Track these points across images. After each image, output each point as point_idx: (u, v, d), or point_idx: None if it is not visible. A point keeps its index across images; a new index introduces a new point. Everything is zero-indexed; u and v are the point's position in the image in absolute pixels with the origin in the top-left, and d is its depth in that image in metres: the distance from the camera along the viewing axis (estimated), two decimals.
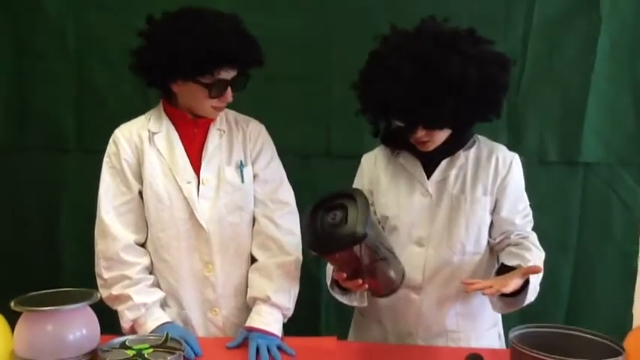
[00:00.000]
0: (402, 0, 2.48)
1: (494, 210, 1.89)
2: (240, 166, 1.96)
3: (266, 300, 1.90)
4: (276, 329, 1.88)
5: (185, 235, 1.91)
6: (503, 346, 1.99)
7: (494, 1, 2.60)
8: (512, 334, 1.55)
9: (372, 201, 1.92)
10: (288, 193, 2.02)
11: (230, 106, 1.98)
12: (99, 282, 1.89)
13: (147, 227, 1.93)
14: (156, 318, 1.85)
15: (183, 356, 1.57)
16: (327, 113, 2.67)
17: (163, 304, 1.93)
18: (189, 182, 1.91)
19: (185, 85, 1.85)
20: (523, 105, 2.64)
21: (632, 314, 2.69)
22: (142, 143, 1.92)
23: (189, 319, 1.95)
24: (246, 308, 1.96)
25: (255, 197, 1.99)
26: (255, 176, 1.99)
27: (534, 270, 1.65)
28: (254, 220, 2.00)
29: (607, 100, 2.65)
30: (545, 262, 1.81)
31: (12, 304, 1.51)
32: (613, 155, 2.67)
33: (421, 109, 1.71)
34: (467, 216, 1.86)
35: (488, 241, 1.91)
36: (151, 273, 1.94)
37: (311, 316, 2.69)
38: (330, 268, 1.79)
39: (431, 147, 1.85)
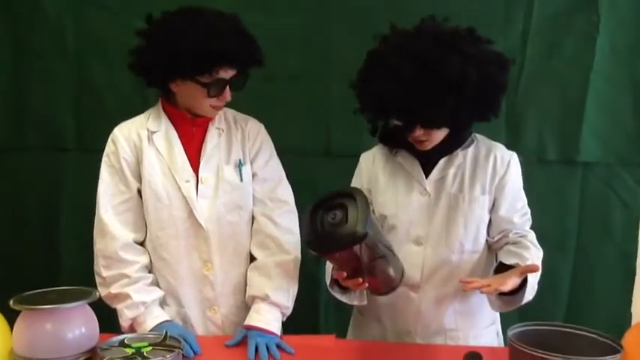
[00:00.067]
0: None
1: (493, 209, 1.89)
2: (239, 165, 1.96)
3: (265, 298, 1.90)
4: (275, 328, 1.88)
5: (184, 234, 1.91)
6: (502, 344, 2.00)
7: (493, 1, 2.61)
8: (510, 332, 1.55)
9: (370, 200, 1.92)
10: (286, 192, 2.02)
11: (229, 105, 1.98)
12: (98, 280, 1.89)
13: (146, 226, 1.93)
14: (155, 316, 1.85)
15: (182, 354, 1.58)
16: (327, 112, 2.67)
17: (162, 303, 1.93)
18: (187, 181, 1.91)
19: (184, 84, 1.85)
20: (522, 104, 2.65)
21: (630, 313, 2.70)
22: (140, 142, 1.92)
23: (189, 318, 1.95)
24: (245, 307, 1.97)
25: (254, 196, 1.99)
26: (254, 175, 1.99)
27: (532, 269, 1.66)
28: (253, 218, 2.00)
29: (606, 100, 2.65)
30: (545, 261, 1.82)
31: (11, 302, 1.51)
32: (612, 155, 2.68)
33: (420, 108, 1.71)
34: (465, 215, 1.86)
35: (487, 240, 1.91)
36: (150, 272, 1.94)
37: (310, 314, 2.69)
38: (329, 267, 1.79)
39: (429, 146, 1.86)
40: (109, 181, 1.91)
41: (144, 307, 1.85)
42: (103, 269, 1.88)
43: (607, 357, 1.43)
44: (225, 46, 1.79)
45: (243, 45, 1.85)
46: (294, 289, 1.96)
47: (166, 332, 1.61)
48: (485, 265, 1.92)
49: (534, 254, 1.78)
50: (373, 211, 1.92)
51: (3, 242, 2.84)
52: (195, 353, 1.77)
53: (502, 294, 1.71)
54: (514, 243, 1.85)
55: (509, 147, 1.99)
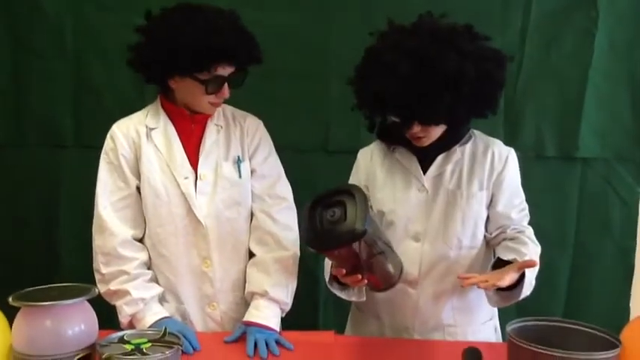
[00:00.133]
0: None
1: (491, 204, 1.89)
2: (238, 162, 1.96)
3: (264, 295, 1.91)
4: (274, 324, 1.88)
5: (183, 231, 1.91)
6: (500, 340, 2.00)
7: None
8: (509, 328, 1.56)
9: (368, 196, 1.92)
10: (285, 189, 2.02)
11: (228, 102, 1.97)
12: (97, 277, 1.90)
13: (145, 222, 1.93)
14: (154, 313, 1.85)
15: (182, 351, 1.58)
16: (325, 109, 2.68)
17: (161, 299, 1.93)
18: (186, 178, 1.91)
19: (182, 80, 1.85)
20: (521, 100, 2.65)
21: (629, 308, 2.71)
22: (139, 139, 1.92)
23: (188, 314, 1.96)
24: (244, 303, 1.97)
25: (253, 192, 1.99)
26: (252, 171, 1.99)
27: (530, 264, 1.66)
28: (252, 215, 2.00)
29: (605, 96, 2.66)
30: (543, 257, 1.82)
31: (10, 299, 1.51)
32: (610, 151, 2.68)
33: (417, 105, 1.71)
34: (463, 211, 1.87)
35: (485, 236, 1.91)
36: (149, 268, 1.94)
37: (309, 310, 2.70)
38: (328, 263, 1.79)
39: (426, 142, 1.86)
40: (107, 177, 1.92)
41: (143, 303, 1.85)
42: (102, 266, 1.88)
43: (605, 352, 1.43)
44: (223, 42, 1.79)
45: (241, 42, 1.85)
46: (292, 285, 1.97)
47: (165, 328, 1.61)
48: (483, 260, 1.92)
49: (532, 250, 1.79)
50: (371, 207, 1.92)
51: (1, 240, 2.84)
52: (194, 349, 1.78)
53: (500, 289, 1.72)
54: (512, 239, 1.85)
55: (507, 143, 1.98)
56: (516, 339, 1.48)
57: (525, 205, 1.92)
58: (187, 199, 1.90)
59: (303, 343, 1.85)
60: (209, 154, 1.94)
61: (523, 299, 1.74)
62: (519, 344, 1.46)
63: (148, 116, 1.96)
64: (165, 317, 1.86)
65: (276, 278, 1.92)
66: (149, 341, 1.55)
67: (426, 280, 1.90)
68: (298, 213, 1.95)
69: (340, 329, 2.11)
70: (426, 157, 1.91)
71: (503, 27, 2.61)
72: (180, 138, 1.94)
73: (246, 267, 1.99)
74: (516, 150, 1.96)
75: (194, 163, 1.93)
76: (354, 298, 1.86)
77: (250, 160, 1.99)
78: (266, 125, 2.07)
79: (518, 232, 1.86)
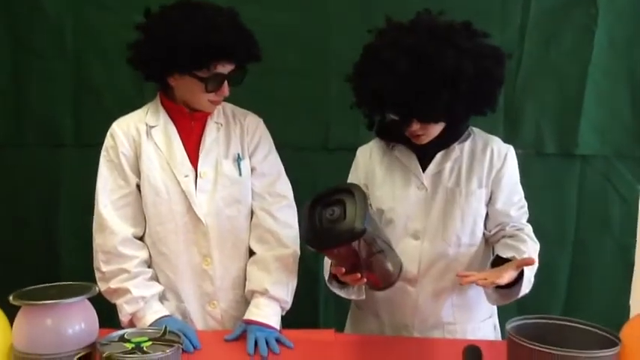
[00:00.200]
0: None
1: (490, 202, 1.90)
2: (238, 160, 1.96)
3: (264, 293, 1.91)
4: (275, 322, 1.88)
5: (183, 229, 1.91)
6: (499, 338, 2.00)
7: None
8: (509, 326, 1.55)
9: (367, 194, 1.92)
10: (285, 186, 2.02)
11: (228, 100, 1.98)
12: (97, 275, 1.90)
13: (145, 221, 1.94)
14: (154, 311, 1.86)
15: (182, 349, 1.58)
16: (325, 107, 2.68)
17: (162, 298, 1.93)
18: (186, 176, 1.91)
19: (182, 78, 1.85)
20: (520, 98, 2.65)
21: (629, 306, 2.71)
22: (139, 137, 1.92)
23: (188, 312, 1.96)
24: (245, 301, 1.97)
25: (253, 190, 1.99)
26: (252, 169, 1.99)
27: (528, 262, 1.66)
28: (252, 213, 2.00)
29: (604, 93, 2.66)
30: (543, 255, 1.82)
31: (11, 297, 1.51)
32: (610, 148, 2.68)
33: (416, 102, 1.71)
34: (462, 208, 1.87)
35: (484, 233, 1.91)
36: (149, 266, 1.94)
37: (309, 308, 2.70)
38: (327, 262, 1.80)
39: (425, 140, 1.86)
40: (107, 176, 1.92)
41: (143, 301, 1.86)
42: (102, 264, 1.88)
43: (605, 350, 1.43)
44: (222, 40, 1.79)
45: (240, 39, 1.85)
46: (293, 284, 1.97)
47: (166, 327, 1.61)
48: (482, 258, 1.92)
49: (531, 247, 1.79)
50: (370, 205, 1.92)
51: (1, 239, 2.84)
52: (194, 348, 1.78)
53: (499, 287, 1.72)
54: (511, 236, 1.85)
55: (507, 140, 1.99)
56: (516, 337, 1.48)
57: (524, 203, 1.93)
58: (187, 197, 1.90)
59: (303, 341, 1.85)
60: (209, 151, 1.94)
61: (522, 297, 1.74)
62: (519, 342, 1.46)
63: (147, 114, 1.96)
64: (166, 316, 1.86)
65: (276, 276, 1.92)
66: (150, 340, 1.55)
67: (425, 278, 1.90)
68: (298, 211, 1.95)
69: (340, 327, 2.12)
70: (425, 155, 1.91)
71: (503, 24, 2.61)
72: (180, 136, 1.94)
73: (246, 265, 1.99)
74: (516, 147, 1.96)
75: (194, 161, 1.93)
76: (353, 297, 1.86)
77: (250, 158, 1.99)
78: (266, 123, 2.07)
79: (517, 229, 1.86)
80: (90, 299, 1.59)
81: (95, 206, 1.91)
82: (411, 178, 1.92)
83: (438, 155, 1.90)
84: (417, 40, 1.71)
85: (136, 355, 1.46)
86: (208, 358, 1.77)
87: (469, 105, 1.78)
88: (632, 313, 2.66)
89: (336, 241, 1.55)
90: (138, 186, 1.92)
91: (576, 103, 2.64)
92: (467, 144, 1.92)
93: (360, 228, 1.50)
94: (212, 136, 1.95)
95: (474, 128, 1.96)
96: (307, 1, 2.66)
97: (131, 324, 1.86)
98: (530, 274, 1.72)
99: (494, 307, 2.01)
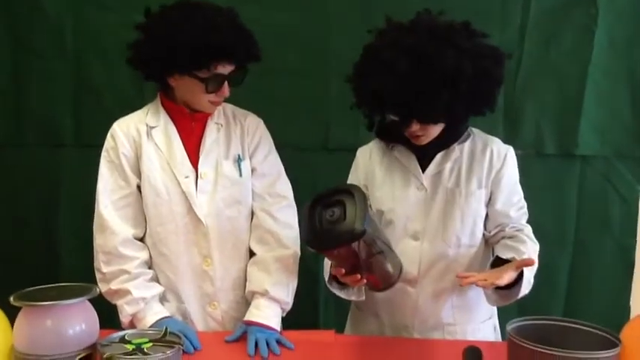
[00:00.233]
0: None
1: (489, 203, 1.90)
2: (238, 160, 1.96)
3: (264, 294, 1.91)
4: (275, 323, 1.88)
5: (183, 230, 1.91)
6: (499, 339, 2.01)
7: None
8: (509, 327, 1.55)
9: (367, 195, 1.92)
10: (285, 187, 2.02)
11: (228, 101, 1.97)
12: (98, 276, 1.90)
13: (145, 221, 1.94)
14: (155, 312, 1.86)
15: (183, 350, 1.58)
16: (325, 107, 2.68)
17: (162, 299, 1.93)
18: (187, 176, 1.91)
19: (182, 79, 1.85)
20: (520, 98, 2.65)
21: (629, 307, 2.71)
22: (139, 137, 1.92)
23: (188, 313, 1.96)
24: (245, 302, 1.97)
25: (254, 191, 1.99)
26: (253, 170, 1.99)
27: (528, 262, 1.67)
28: (252, 214, 2.00)
29: (604, 93, 2.66)
30: (543, 256, 1.82)
31: (11, 298, 1.51)
32: (610, 148, 2.68)
33: (416, 102, 1.71)
34: (462, 209, 1.87)
35: (484, 234, 1.91)
36: (149, 267, 1.94)
37: (309, 309, 2.70)
38: (327, 263, 1.79)
39: (425, 141, 1.86)
40: (108, 176, 1.92)
41: (144, 303, 1.86)
42: (102, 265, 1.88)
43: (605, 351, 1.43)
44: (222, 40, 1.79)
45: (240, 39, 1.85)
46: (293, 284, 1.97)
47: (166, 328, 1.61)
48: (482, 259, 1.92)
49: (530, 248, 1.79)
50: (370, 206, 1.92)
51: (1, 239, 2.84)
52: (195, 349, 1.78)
53: (498, 288, 1.72)
54: (510, 237, 1.85)
55: (507, 141, 1.99)
56: (516, 338, 1.48)
57: (524, 203, 1.93)
58: (188, 198, 1.90)
59: (303, 342, 1.85)
60: (209, 152, 1.94)
61: (522, 298, 1.74)
62: (519, 343, 1.46)
63: (148, 115, 1.96)
64: (166, 317, 1.86)
65: (276, 277, 1.92)
66: (150, 341, 1.55)
67: (425, 278, 1.90)
68: (298, 211, 1.95)
69: (340, 328, 2.12)
70: (424, 156, 1.91)
71: (503, 24, 2.61)
72: (180, 136, 1.94)
73: (246, 266, 1.99)
74: (516, 147, 1.96)
75: (194, 161, 1.93)
76: (353, 298, 1.86)
77: (251, 158, 1.99)
78: (266, 123, 2.07)
79: (517, 230, 1.86)
80: (90, 300, 1.60)
81: (96, 207, 1.91)
82: (410, 179, 1.92)
83: (438, 156, 1.90)
84: (417, 40, 1.71)
85: (136, 356, 1.46)
86: (209, 359, 1.77)
87: (468, 105, 1.78)
88: (633, 313, 2.66)
89: (336, 242, 1.54)
90: (138, 187, 1.92)
91: (576, 103, 2.64)
92: (466, 144, 1.92)
93: (360, 229, 1.50)
94: (212, 136, 1.95)
95: (473, 129, 1.96)
96: (307, 1, 2.66)
97: (132, 325, 1.86)
98: (529, 274, 1.72)
99: (494, 308, 2.01)
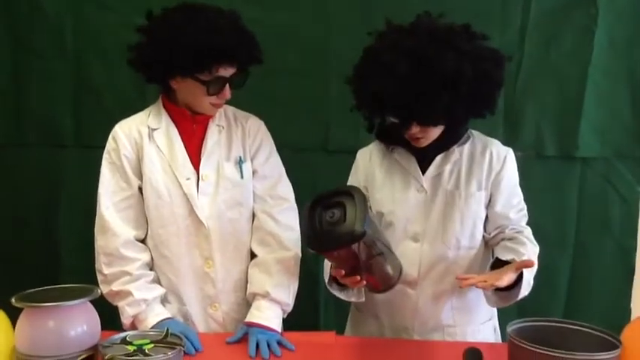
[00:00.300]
0: None
1: (489, 205, 1.90)
2: (240, 162, 1.97)
3: (265, 295, 1.91)
4: (276, 324, 1.88)
5: (185, 231, 1.92)
6: (499, 340, 2.01)
7: None
8: (510, 328, 1.56)
9: (367, 197, 1.92)
10: (287, 189, 2.03)
11: (228, 102, 1.97)
12: (99, 278, 1.90)
13: (147, 223, 1.94)
14: (156, 314, 1.86)
15: (184, 352, 1.59)
16: (325, 109, 2.68)
17: (164, 300, 1.94)
18: (188, 178, 1.91)
19: (184, 81, 1.85)
20: (520, 100, 2.65)
21: (630, 308, 2.71)
22: (141, 139, 1.92)
23: (190, 315, 1.96)
24: (246, 303, 1.97)
25: (255, 193, 1.99)
26: (254, 172, 1.99)
27: (527, 264, 1.67)
28: (253, 215, 2.00)
29: (604, 94, 2.66)
30: (543, 257, 1.83)
31: (13, 300, 1.52)
32: (610, 149, 2.68)
33: (416, 105, 1.71)
34: (461, 211, 1.87)
35: (483, 236, 1.91)
36: (151, 269, 1.94)
37: (310, 311, 2.70)
38: (327, 264, 1.80)
39: (425, 143, 1.86)
40: (109, 178, 1.92)
41: (145, 304, 1.86)
42: (104, 266, 1.88)
43: (606, 353, 1.43)
44: (224, 42, 1.79)
45: (242, 42, 1.85)
46: (294, 286, 1.97)
47: (168, 329, 1.62)
48: (481, 260, 1.92)
49: (530, 250, 1.79)
50: (370, 208, 1.92)
51: (2, 240, 2.85)
52: (196, 350, 1.78)
53: (498, 290, 1.72)
54: (510, 239, 1.85)
55: (507, 142, 1.99)
56: (517, 339, 1.48)
57: (524, 205, 1.93)
58: (189, 200, 1.90)
59: (304, 343, 1.85)
60: (211, 154, 1.94)
61: (523, 299, 1.74)
62: (520, 345, 1.47)
63: (150, 117, 1.96)
64: (168, 318, 1.86)
65: (277, 279, 1.92)
66: (151, 342, 1.56)
67: (425, 280, 1.90)
68: (299, 213, 1.95)
69: (341, 330, 2.12)
70: (424, 158, 1.92)
71: (503, 25, 2.61)
72: (182, 138, 1.94)
73: (247, 267, 1.99)
74: (516, 149, 1.96)
75: (196, 163, 1.93)
76: (353, 299, 1.86)
77: (252, 160, 1.99)
78: (266, 124, 2.07)
79: (517, 232, 1.86)
80: (92, 301, 1.60)
81: (97, 208, 1.91)
82: (410, 181, 1.92)
83: (438, 158, 1.90)
84: (417, 42, 1.71)
85: (138, 358, 1.47)
86: None
87: (468, 107, 1.78)
88: (633, 315, 2.65)
89: (336, 243, 1.54)
90: (140, 188, 1.92)
91: (576, 103, 2.64)
92: (466, 147, 1.92)
93: (360, 230, 1.50)
94: (214, 138, 1.95)
95: (473, 131, 1.96)
96: (307, 1, 2.66)
97: (133, 326, 1.86)
98: (529, 276, 1.72)
99: (494, 310, 2.02)
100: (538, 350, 1.42)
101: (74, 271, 2.68)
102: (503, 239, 1.88)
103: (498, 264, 1.76)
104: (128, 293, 1.85)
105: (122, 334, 1.61)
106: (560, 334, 1.59)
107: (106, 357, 1.48)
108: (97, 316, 1.62)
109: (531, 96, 2.65)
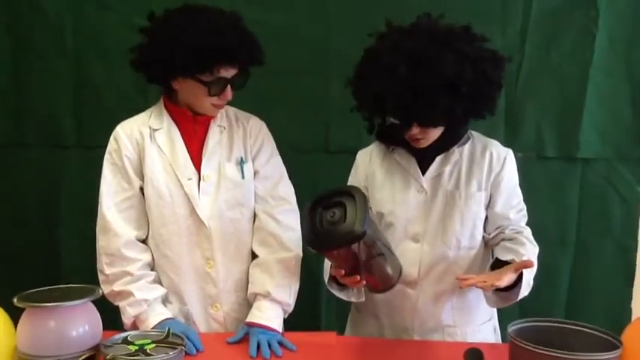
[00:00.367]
0: None
1: (489, 205, 1.90)
2: (241, 163, 1.97)
3: (266, 295, 1.91)
4: (277, 324, 1.89)
5: (186, 231, 1.92)
6: (499, 340, 2.01)
7: None
8: (510, 329, 1.56)
9: (367, 197, 1.92)
10: (288, 190, 2.03)
11: (229, 102, 1.97)
12: (101, 278, 1.90)
13: (148, 223, 1.94)
14: (157, 314, 1.86)
15: (185, 352, 1.59)
16: (326, 109, 2.68)
17: (165, 301, 1.94)
18: (189, 179, 1.91)
19: (185, 82, 1.85)
20: (521, 100, 2.66)
21: (630, 308, 2.71)
22: (142, 140, 1.92)
23: (191, 315, 1.96)
24: (247, 304, 1.98)
25: (256, 193, 1.99)
26: (255, 172, 2.00)
27: (527, 264, 1.67)
28: (255, 216, 2.00)
29: (605, 94, 2.67)
30: (544, 257, 1.83)
31: (15, 300, 1.52)
32: (611, 150, 2.69)
33: (416, 106, 1.72)
34: (461, 211, 1.87)
35: (483, 236, 1.92)
36: (152, 269, 1.95)
37: (311, 311, 2.70)
38: (327, 264, 1.80)
39: (425, 144, 1.86)
40: (111, 178, 1.92)
41: (146, 304, 1.86)
42: (105, 267, 1.89)
43: (607, 353, 1.43)
44: (225, 43, 1.79)
45: (243, 43, 1.85)
46: (295, 286, 1.97)
47: (169, 329, 1.62)
48: (481, 261, 1.92)
49: (530, 250, 1.79)
50: (370, 208, 1.92)
51: (3, 240, 2.84)
52: (197, 350, 1.78)
53: (498, 290, 1.72)
54: (510, 239, 1.85)
55: (507, 143, 1.99)
56: (518, 340, 1.49)
57: (523, 206, 1.93)
58: (190, 200, 1.90)
59: (305, 344, 1.85)
60: (212, 155, 1.94)
61: (523, 299, 1.74)
62: (521, 345, 1.47)
63: (151, 117, 1.96)
64: (169, 318, 1.86)
65: (278, 279, 1.92)
66: (153, 342, 1.56)
67: (425, 280, 1.90)
68: (300, 213, 1.95)
69: (342, 330, 2.12)
70: (424, 158, 1.92)
71: (503, 26, 2.61)
72: (183, 139, 1.94)
73: (248, 267, 2.00)
74: (517, 150, 1.96)
75: (197, 164, 1.93)
76: (353, 299, 1.87)
77: (253, 161, 2.00)
78: (267, 125, 2.07)
79: (517, 232, 1.86)
80: (93, 301, 1.60)
81: (99, 208, 1.91)
82: (410, 182, 1.92)
83: (438, 159, 1.91)
84: (418, 43, 1.72)
85: (139, 358, 1.47)
86: None
87: (468, 108, 1.79)
88: (634, 315, 2.66)
89: (336, 243, 1.54)
90: (141, 189, 1.92)
91: (577, 104, 2.65)
92: (466, 147, 1.92)
93: (360, 230, 1.50)
94: (215, 139, 1.96)
95: (472, 132, 1.96)
96: (307, 1, 2.66)
97: (134, 326, 1.87)
98: (529, 276, 1.72)
99: (494, 310, 2.02)
100: (539, 351, 1.43)
101: (74, 271, 2.69)
102: (503, 240, 1.88)
103: (498, 264, 1.76)
104: (129, 293, 1.85)
105: (123, 334, 1.61)
106: (561, 334, 1.59)
107: (108, 357, 1.48)
108: (99, 316, 1.62)
109: (532, 97, 2.66)
